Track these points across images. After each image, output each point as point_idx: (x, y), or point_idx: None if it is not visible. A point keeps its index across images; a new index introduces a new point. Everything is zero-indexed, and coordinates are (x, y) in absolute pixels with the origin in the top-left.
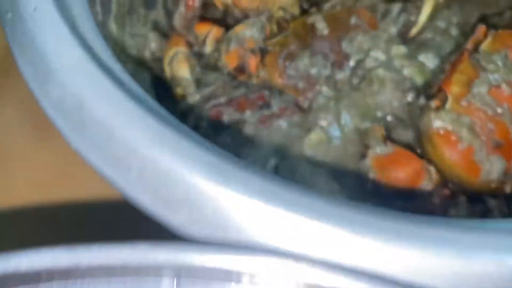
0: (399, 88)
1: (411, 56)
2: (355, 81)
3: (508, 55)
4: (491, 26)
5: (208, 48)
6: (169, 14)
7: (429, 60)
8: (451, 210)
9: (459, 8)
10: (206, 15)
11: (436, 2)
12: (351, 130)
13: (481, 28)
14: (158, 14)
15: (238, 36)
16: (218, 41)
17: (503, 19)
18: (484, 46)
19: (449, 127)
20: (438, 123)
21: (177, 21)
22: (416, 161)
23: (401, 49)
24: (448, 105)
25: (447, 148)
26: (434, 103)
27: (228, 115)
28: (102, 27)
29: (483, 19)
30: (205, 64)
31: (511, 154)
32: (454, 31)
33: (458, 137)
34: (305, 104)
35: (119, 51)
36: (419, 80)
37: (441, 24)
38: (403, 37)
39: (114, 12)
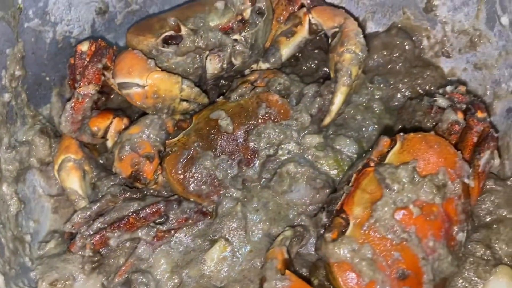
0: (313, 185)
1: (326, 145)
2: (265, 177)
3: (416, 169)
4: (412, 111)
5: (110, 143)
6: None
7: (347, 147)
8: None
9: (383, 81)
10: (109, 104)
11: (348, 90)
12: (260, 238)
13: (383, 140)
14: (52, 106)
15: (132, 139)
16: (120, 133)
17: (422, 104)
18: (391, 155)
19: (348, 260)
20: (336, 255)
21: (64, 125)
22: None
23: (315, 139)
24: (349, 231)
25: (346, 283)
26: (330, 236)
27: (115, 239)
28: None
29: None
30: (105, 164)
31: (420, 283)
32: (377, 107)
33: (358, 271)
34: (210, 209)
35: None
36: (334, 173)
37: (362, 99)
38: (318, 123)
39: None
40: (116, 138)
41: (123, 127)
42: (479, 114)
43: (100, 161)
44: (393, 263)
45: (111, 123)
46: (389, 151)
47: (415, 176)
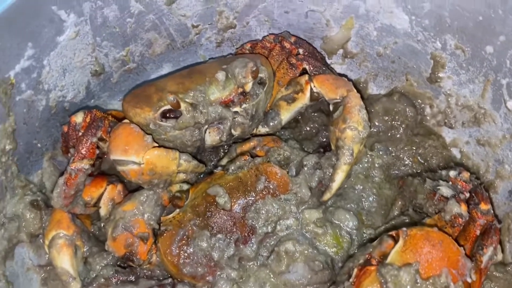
0: (311, 267)
1: (326, 220)
2: (262, 255)
3: (419, 270)
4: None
5: (103, 211)
6: (60, 166)
7: (346, 221)
8: None
9: (384, 149)
10: (102, 165)
11: (350, 167)
12: None
13: (387, 243)
14: (44, 172)
15: (126, 217)
16: (114, 201)
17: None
18: (394, 253)
19: None
20: None
21: (56, 201)
22: None
23: (314, 215)
24: None
25: None
26: None
27: None
28: None
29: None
30: (97, 235)
31: None
32: (377, 175)
33: None
34: None
35: None
36: (333, 251)
37: (362, 168)
38: (317, 197)
39: None
40: (109, 206)
41: (117, 193)
42: (483, 206)
43: (92, 230)
44: None
45: (104, 190)
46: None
47: (418, 279)
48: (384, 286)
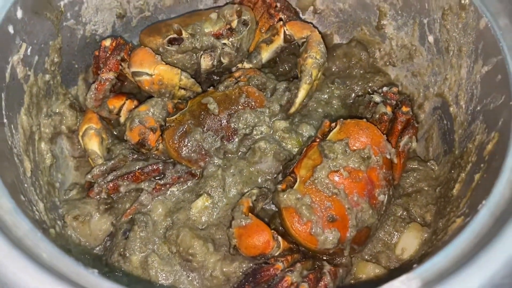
0: (278, 158)
1: (291, 129)
2: (241, 151)
3: (348, 144)
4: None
5: (122, 119)
6: (89, 87)
7: (307, 132)
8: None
9: (342, 83)
10: (123, 89)
11: (309, 87)
12: (234, 195)
13: (325, 122)
14: (78, 88)
15: (140, 115)
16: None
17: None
18: (331, 134)
19: (293, 205)
20: (284, 202)
21: (89, 101)
22: (267, 231)
23: (282, 124)
24: (296, 186)
25: (291, 222)
26: (280, 187)
27: (124, 187)
28: None
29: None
30: (118, 135)
31: (346, 227)
32: (336, 103)
33: (299, 213)
34: (197, 172)
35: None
36: (295, 150)
37: (324, 96)
38: (286, 112)
39: (25, 104)
40: (127, 115)
41: (133, 106)
42: (404, 109)
43: (114, 132)
44: (326, 209)
45: (124, 103)
46: (330, 132)
47: (347, 150)
48: (322, 154)
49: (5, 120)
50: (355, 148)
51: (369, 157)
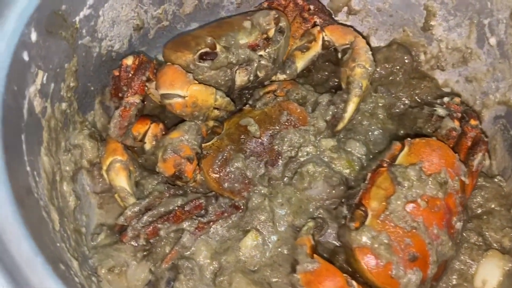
0: (330, 183)
1: (339, 148)
2: (287, 176)
3: (422, 168)
4: (413, 118)
5: (148, 146)
6: (107, 111)
7: (357, 149)
8: None
9: (386, 91)
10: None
11: (359, 100)
12: (286, 228)
13: (396, 145)
14: (96, 113)
15: (173, 143)
16: (157, 137)
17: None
18: (401, 157)
19: (368, 245)
20: (358, 241)
21: (113, 130)
22: (340, 277)
23: (329, 142)
24: (368, 221)
25: (367, 264)
26: (353, 225)
27: (165, 230)
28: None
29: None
30: (144, 164)
31: (427, 264)
32: (381, 113)
33: (377, 254)
34: (241, 204)
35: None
36: (347, 172)
37: (368, 107)
38: (332, 128)
39: (44, 142)
40: (153, 141)
41: (159, 130)
42: (472, 122)
43: (140, 161)
44: (405, 247)
45: (149, 128)
46: (398, 154)
47: (422, 175)
48: (395, 181)
49: (28, 168)
50: (430, 172)
51: (446, 182)
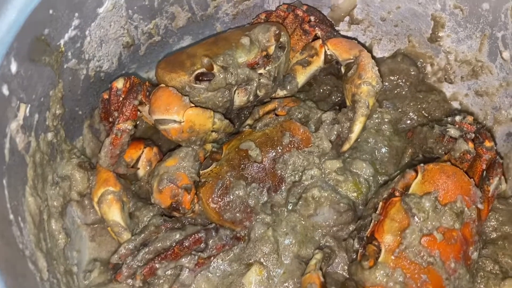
0: (336, 209)
1: (345, 169)
2: (291, 202)
3: (438, 198)
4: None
5: (142, 172)
6: (96, 134)
7: (363, 170)
8: None
9: (392, 105)
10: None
11: (366, 119)
12: (292, 260)
13: (410, 175)
14: (84, 138)
15: (169, 172)
16: (151, 162)
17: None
18: (414, 185)
19: (383, 284)
20: (372, 280)
21: (103, 160)
22: None
23: (335, 164)
24: (382, 257)
25: None
26: (367, 264)
27: (162, 269)
28: None
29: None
30: (138, 192)
31: None
32: (387, 129)
33: None
34: (243, 234)
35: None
36: (354, 195)
37: (373, 122)
38: (337, 148)
39: (29, 181)
40: (147, 167)
41: (153, 155)
42: (487, 144)
43: (133, 189)
44: (422, 284)
45: (142, 152)
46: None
47: (437, 205)
48: (409, 213)
49: (11, 217)
50: (445, 201)
51: (462, 212)
